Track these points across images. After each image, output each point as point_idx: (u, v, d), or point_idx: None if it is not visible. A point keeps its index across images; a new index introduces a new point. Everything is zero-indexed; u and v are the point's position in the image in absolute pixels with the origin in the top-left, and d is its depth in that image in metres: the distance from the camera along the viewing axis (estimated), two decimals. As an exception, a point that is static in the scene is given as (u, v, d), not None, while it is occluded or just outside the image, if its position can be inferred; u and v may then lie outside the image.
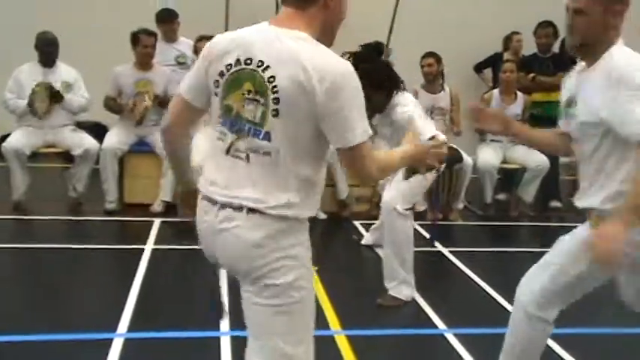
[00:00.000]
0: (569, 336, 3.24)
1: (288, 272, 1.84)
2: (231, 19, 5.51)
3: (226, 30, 5.35)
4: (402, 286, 3.70)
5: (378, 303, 3.68)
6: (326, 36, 1.85)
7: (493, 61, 7.67)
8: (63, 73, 5.36)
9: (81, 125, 5.97)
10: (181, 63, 5.89)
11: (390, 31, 5.59)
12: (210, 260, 1.98)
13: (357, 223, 5.31)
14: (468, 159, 5.61)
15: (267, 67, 1.76)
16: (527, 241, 5.51)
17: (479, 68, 8.04)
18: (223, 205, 1.82)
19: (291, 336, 1.90)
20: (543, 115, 6.00)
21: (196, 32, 5.70)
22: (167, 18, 5.99)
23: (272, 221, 1.81)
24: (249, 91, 1.79)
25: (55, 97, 5.23)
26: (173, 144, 2.04)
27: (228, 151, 1.84)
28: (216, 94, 1.86)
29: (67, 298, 3.64)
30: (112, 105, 5.47)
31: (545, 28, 6.14)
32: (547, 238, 5.31)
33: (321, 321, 3.31)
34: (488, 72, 7.90)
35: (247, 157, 1.81)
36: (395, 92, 3.67)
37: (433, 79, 5.78)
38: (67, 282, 3.88)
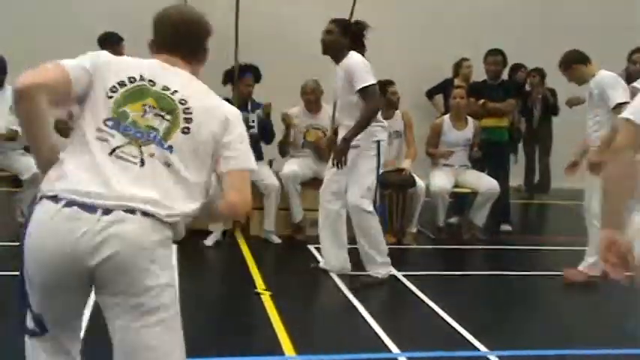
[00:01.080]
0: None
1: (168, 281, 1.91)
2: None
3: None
4: (379, 268, 4.46)
5: (360, 282, 4.40)
6: None
7: (444, 87, 7.87)
8: (10, 97, 5.24)
9: (29, 148, 5.86)
10: None
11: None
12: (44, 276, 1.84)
13: (311, 247, 5.32)
14: (421, 183, 5.70)
15: (175, 91, 1.98)
16: (479, 264, 5.60)
17: (430, 94, 8.23)
18: (108, 210, 1.79)
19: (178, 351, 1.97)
20: (492, 140, 6.19)
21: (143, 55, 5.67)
22: (109, 41, 5.82)
23: (164, 228, 1.87)
24: (151, 106, 1.94)
25: (11, 138, 5.13)
26: (37, 104, 1.83)
27: (111, 153, 1.88)
28: (109, 97, 1.93)
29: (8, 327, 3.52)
30: (62, 128, 5.36)
31: (495, 56, 6.32)
32: (498, 262, 5.49)
33: (275, 346, 3.32)
34: (439, 98, 8.09)
35: (142, 161, 1.89)
36: None
37: (393, 105, 5.86)
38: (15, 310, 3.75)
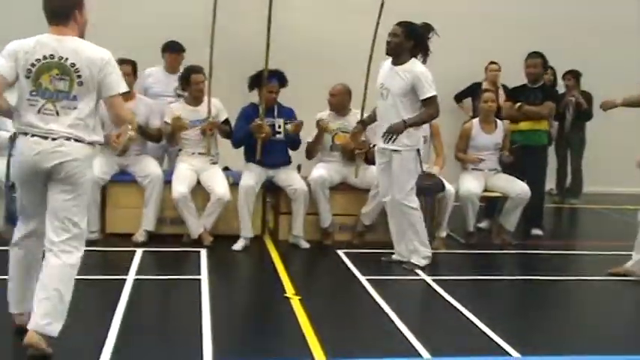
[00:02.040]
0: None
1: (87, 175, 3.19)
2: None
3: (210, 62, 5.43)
4: (419, 258, 4.93)
5: (403, 267, 4.93)
6: (82, 36, 3.23)
7: (472, 91, 7.82)
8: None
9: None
10: (180, 95, 5.89)
11: (371, 56, 5.66)
12: (26, 176, 3.14)
13: (340, 251, 5.31)
14: (450, 188, 5.66)
15: (67, 59, 3.10)
16: (509, 269, 5.53)
17: (459, 98, 8.17)
18: (54, 138, 3.08)
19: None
20: (529, 144, 6.09)
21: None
22: (175, 49, 6.10)
23: (88, 146, 3.18)
24: (57, 74, 3.10)
25: None
26: None
27: (39, 111, 3.10)
28: (27, 77, 3.09)
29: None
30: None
31: (534, 59, 6.19)
32: (529, 266, 5.42)
33: (304, 350, 3.32)
34: (467, 102, 8.04)
35: (57, 112, 3.10)
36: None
37: None
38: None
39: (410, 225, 4.93)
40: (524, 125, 6.13)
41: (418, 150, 4.91)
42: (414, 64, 4.81)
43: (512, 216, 5.79)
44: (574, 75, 7.92)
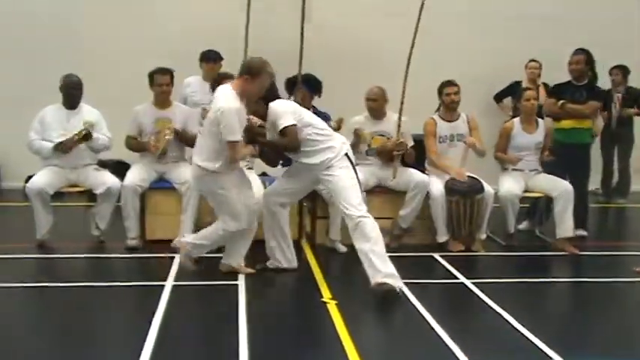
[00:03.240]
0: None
1: None
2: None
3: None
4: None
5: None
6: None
7: (512, 90, 7.68)
8: (85, 114, 5.47)
9: (104, 163, 6.08)
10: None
11: (410, 57, 5.61)
12: None
13: (377, 255, 5.26)
14: (489, 189, 5.56)
15: None
16: (552, 271, 5.39)
17: (499, 98, 8.04)
18: None
19: None
20: (571, 142, 5.92)
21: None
22: (212, 58, 6.20)
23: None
24: None
25: (86, 137, 5.33)
26: None
27: None
28: None
29: (87, 336, 3.64)
30: (134, 144, 5.56)
31: (577, 55, 5.97)
32: (572, 268, 5.27)
33: (340, 356, 3.29)
34: (507, 101, 7.91)
35: None
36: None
37: (456, 107, 5.77)
38: (88, 319, 3.89)
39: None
40: (566, 123, 5.96)
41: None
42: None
43: (565, 220, 5.56)
44: (621, 70, 7.71)
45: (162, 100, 5.50)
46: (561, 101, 5.92)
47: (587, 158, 6.15)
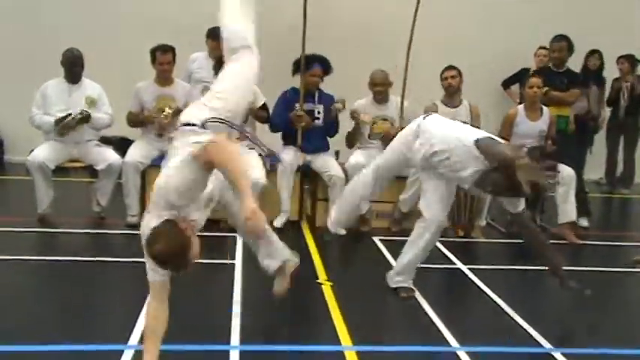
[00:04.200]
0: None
1: None
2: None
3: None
4: None
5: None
6: None
7: (520, 77, 7.62)
8: (87, 88, 5.46)
9: (107, 140, 6.09)
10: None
11: (410, 42, 5.57)
12: None
13: (376, 238, 5.27)
14: (490, 175, 5.53)
15: None
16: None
17: (507, 84, 7.99)
18: None
19: None
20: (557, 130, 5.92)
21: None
22: (218, 35, 6.06)
23: None
24: None
25: (85, 120, 5.32)
26: None
27: None
28: None
29: (85, 310, 3.67)
30: (136, 120, 5.56)
31: (559, 42, 6.04)
32: (572, 257, 5.25)
33: (331, 336, 3.31)
34: (515, 88, 7.85)
35: None
36: None
37: (454, 93, 5.74)
38: (87, 294, 3.91)
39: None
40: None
41: None
42: None
43: (567, 205, 5.54)
44: (628, 59, 7.62)
45: (164, 78, 5.48)
46: (545, 88, 5.90)
47: (567, 145, 6.14)
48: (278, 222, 5.37)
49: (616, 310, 4.07)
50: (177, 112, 5.39)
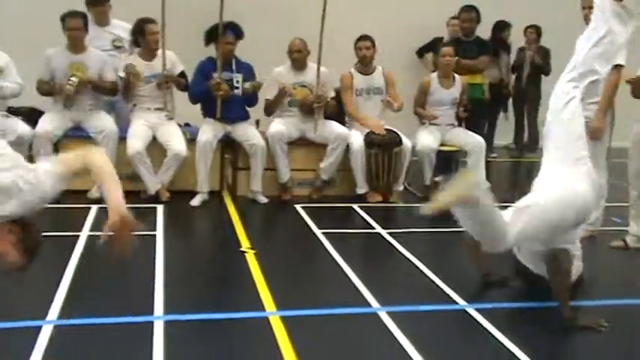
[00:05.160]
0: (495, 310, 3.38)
1: None
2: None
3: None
4: None
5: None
6: None
7: (434, 46, 7.81)
8: (-7, 57, 5.19)
9: (15, 110, 5.82)
10: (118, 47, 5.76)
11: (324, 10, 5.59)
12: None
13: (298, 206, 5.34)
14: (407, 142, 5.70)
15: None
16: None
17: (421, 53, 8.17)
18: None
19: None
20: (471, 98, 6.18)
21: (128, 14, 5.65)
22: (96, 1, 5.80)
23: None
24: None
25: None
26: None
27: None
28: None
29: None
30: (46, 88, 5.34)
31: (469, 12, 6.34)
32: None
33: (256, 302, 3.36)
34: (429, 56, 8.04)
35: None
36: None
37: (369, 62, 5.84)
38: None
39: None
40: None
41: None
42: None
43: (477, 173, 5.80)
44: (536, 30, 7.96)
45: (76, 45, 5.27)
46: (456, 57, 6.13)
47: (482, 113, 6.44)
48: (196, 201, 5.33)
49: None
50: (86, 81, 5.23)
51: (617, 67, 4.24)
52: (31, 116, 5.81)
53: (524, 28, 7.96)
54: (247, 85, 5.50)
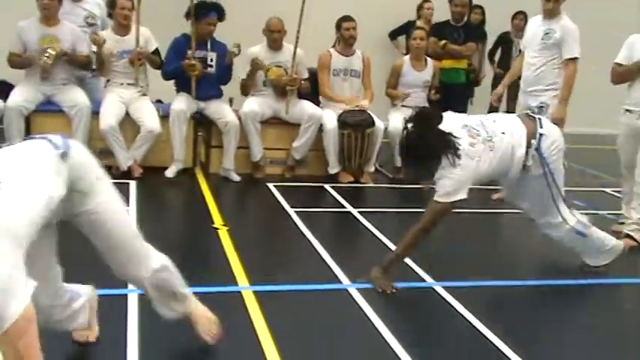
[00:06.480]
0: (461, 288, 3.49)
1: None
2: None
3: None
4: None
5: None
6: None
7: (406, 29, 7.87)
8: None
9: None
10: (91, 24, 5.69)
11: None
12: None
13: (270, 185, 5.40)
14: (379, 123, 5.78)
15: None
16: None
17: (393, 35, 8.23)
18: None
19: None
20: (449, 82, 6.29)
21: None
22: None
23: None
24: None
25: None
26: None
27: None
28: None
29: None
30: (18, 60, 5.27)
31: None
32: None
33: (229, 278, 3.42)
34: (402, 39, 8.10)
35: None
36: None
37: (354, 43, 5.90)
38: None
39: None
40: (446, 63, 6.31)
41: None
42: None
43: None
44: (525, 15, 8.04)
45: (48, 16, 5.19)
46: (443, 41, 6.23)
47: (463, 97, 6.56)
48: (170, 172, 5.36)
49: (487, 245, 4.47)
50: (62, 53, 5.18)
51: (574, 60, 4.82)
52: (2, 89, 5.74)
53: (513, 14, 8.04)
54: (234, 49, 5.46)
